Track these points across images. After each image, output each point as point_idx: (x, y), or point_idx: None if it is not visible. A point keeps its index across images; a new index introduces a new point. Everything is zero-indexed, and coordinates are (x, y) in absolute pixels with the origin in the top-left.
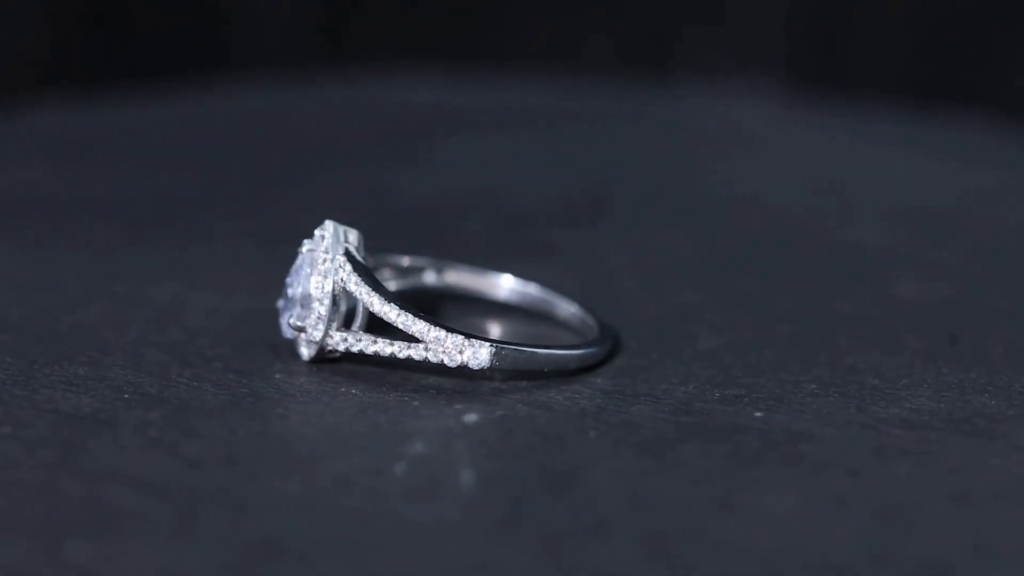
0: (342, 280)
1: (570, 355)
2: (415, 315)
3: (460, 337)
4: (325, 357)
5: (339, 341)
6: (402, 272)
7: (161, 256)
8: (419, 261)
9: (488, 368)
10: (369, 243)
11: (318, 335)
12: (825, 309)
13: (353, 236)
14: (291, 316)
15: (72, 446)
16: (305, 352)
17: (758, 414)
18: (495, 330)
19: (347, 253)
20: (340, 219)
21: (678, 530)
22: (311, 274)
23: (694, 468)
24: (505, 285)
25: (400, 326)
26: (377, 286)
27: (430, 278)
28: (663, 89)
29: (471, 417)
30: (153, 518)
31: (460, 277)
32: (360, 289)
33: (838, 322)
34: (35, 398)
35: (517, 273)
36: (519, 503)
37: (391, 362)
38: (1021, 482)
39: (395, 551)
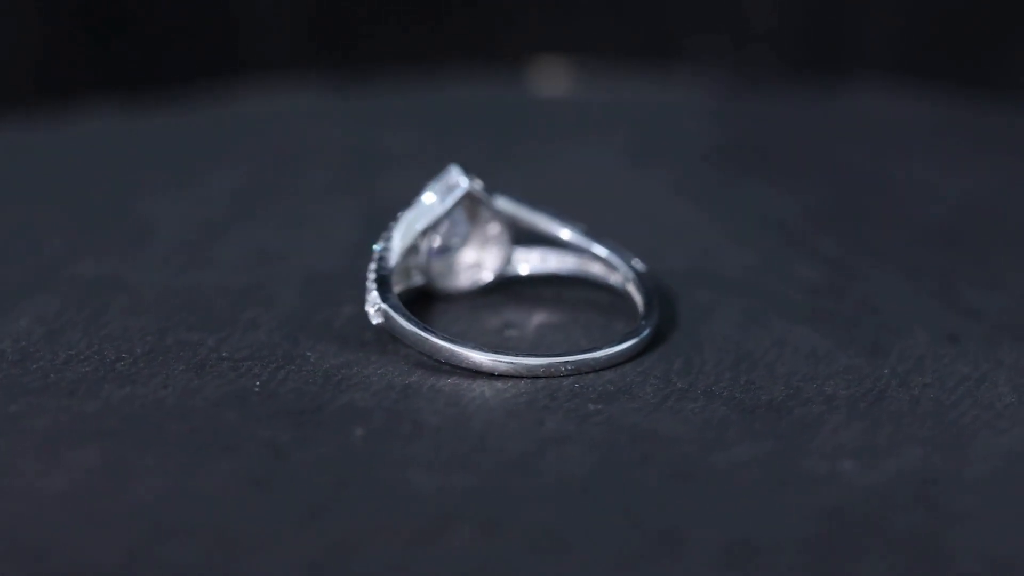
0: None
1: (480, 357)
2: (377, 270)
3: (374, 294)
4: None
5: None
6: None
7: None
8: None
9: (380, 326)
10: None
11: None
12: None
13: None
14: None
15: None
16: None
17: None
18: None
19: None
20: None
21: None
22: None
23: None
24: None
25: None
26: (390, 247)
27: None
28: None
29: None
30: None
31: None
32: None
33: None
34: None
35: None
36: None
37: None
38: None
39: None
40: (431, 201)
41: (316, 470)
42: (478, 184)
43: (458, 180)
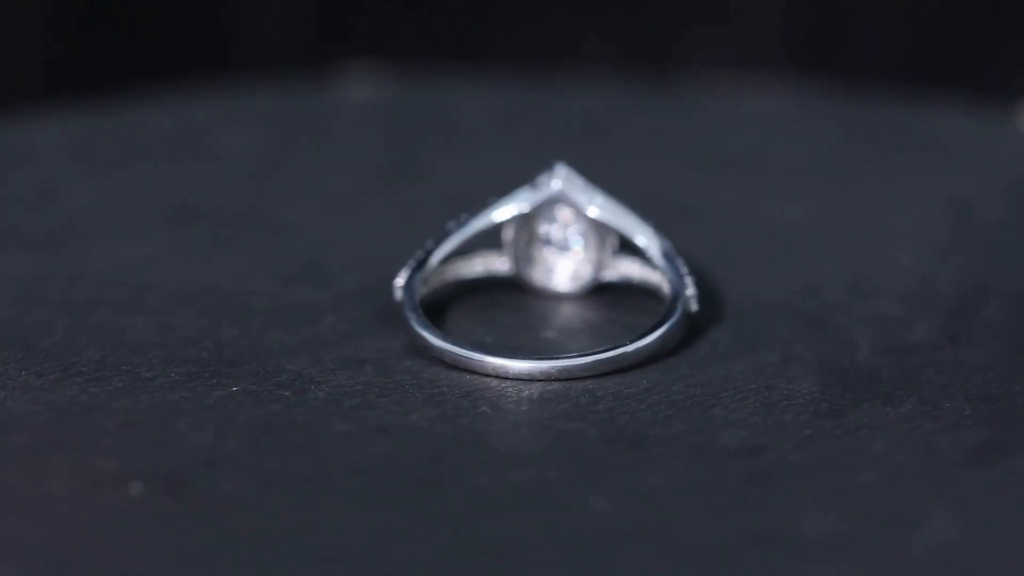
0: None
1: (465, 355)
2: (428, 249)
3: (405, 272)
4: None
5: None
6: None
7: None
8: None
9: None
10: None
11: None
12: None
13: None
14: None
15: None
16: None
17: None
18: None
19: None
20: None
21: None
22: None
23: None
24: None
25: None
26: (458, 230)
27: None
28: None
29: None
30: None
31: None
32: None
33: None
34: None
35: None
36: None
37: None
38: None
39: None
40: (524, 194)
41: (125, 411)
42: (577, 186)
43: (552, 179)
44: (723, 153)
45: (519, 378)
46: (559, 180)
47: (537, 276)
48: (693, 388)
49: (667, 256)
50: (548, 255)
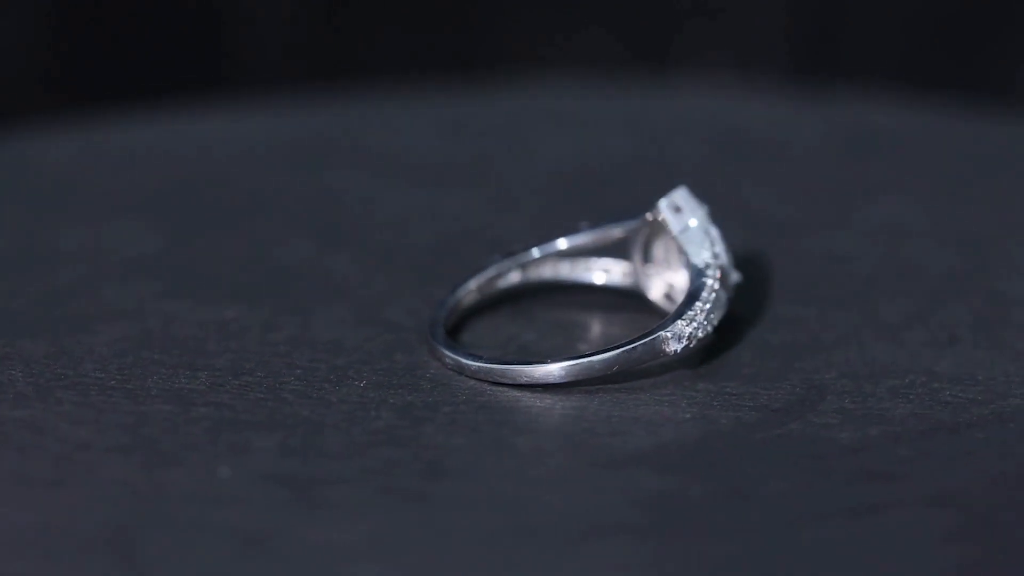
0: None
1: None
2: (523, 248)
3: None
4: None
5: None
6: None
7: None
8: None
9: None
10: None
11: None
12: None
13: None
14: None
15: None
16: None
17: None
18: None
19: None
20: None
21: None
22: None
23: None
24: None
25: None
26: (576, 235)
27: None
28: None
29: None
30: None
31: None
32: None
33: None
34: None
35: None
36: None
37: None
38: None
39: None
40: (641, 213)
41: (102, 303)
42: (677, 211)
43: (662, 201)
44: None
45: (452, 369)
46: (665, 203)
47: (642, 289)
48: (590, 416)
49: (692, 294)
50: (653, 270)
